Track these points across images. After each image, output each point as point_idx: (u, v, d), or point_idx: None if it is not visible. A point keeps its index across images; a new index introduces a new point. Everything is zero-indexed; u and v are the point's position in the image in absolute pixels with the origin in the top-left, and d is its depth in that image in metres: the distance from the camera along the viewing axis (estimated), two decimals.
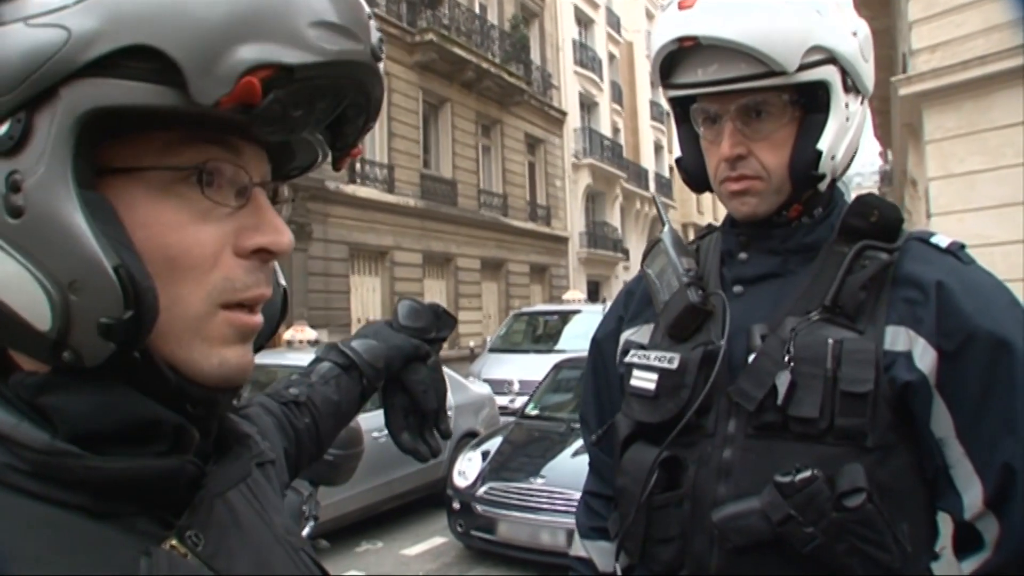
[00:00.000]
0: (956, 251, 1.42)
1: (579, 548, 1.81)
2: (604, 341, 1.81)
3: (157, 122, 0.65)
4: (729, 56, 1.37)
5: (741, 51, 1.34)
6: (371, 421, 7.58)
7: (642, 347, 1.60)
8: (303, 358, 8.24)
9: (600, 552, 1.74)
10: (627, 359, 1.60)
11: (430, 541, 8.14)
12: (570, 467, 7.12)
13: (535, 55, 29.24)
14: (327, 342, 9.74)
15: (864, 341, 1.35)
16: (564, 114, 31.26)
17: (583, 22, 35.10)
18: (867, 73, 1.46)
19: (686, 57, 1.45)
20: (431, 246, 21.82)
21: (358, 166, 19.31)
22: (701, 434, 1.47)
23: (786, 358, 1.37)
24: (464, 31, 23.40)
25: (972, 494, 1.32)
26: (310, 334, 9.23)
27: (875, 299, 1.38)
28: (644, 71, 40.92)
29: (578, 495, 6.03)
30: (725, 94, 1.41)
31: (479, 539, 7.25)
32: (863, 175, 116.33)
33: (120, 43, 0.59)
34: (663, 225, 1.72)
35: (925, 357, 1.33)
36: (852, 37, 1.41)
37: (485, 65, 23.62)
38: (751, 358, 1.43)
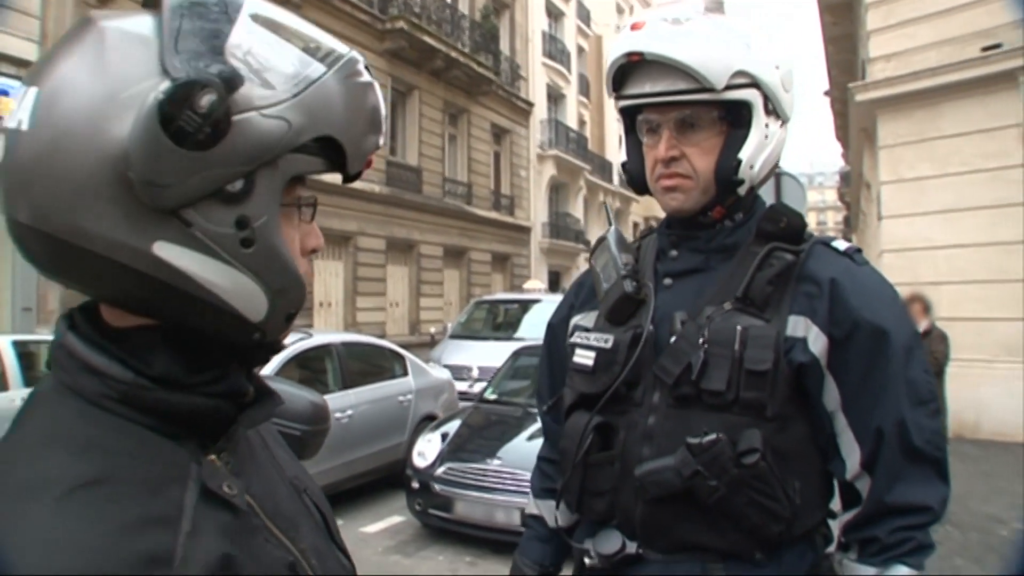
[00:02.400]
0: (852, 254, 1.69)
1: (532, 507, 2.10)
2: (557, 325, 2.08)
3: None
4: (669, 73, 1.62)
5: (678, 68, 1.60)
6: (333, 402, 7.85)
7: (586, 330, 1.85)
8: None
9: (549, 510, 2.00)
10: (572, 340, 1.88)
11: (389, 520, 8.28)
12: (525, 449, 7.36)
13: (504, 46, 29.32)
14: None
15: (767, 328, 1.60)
16: (531, 105, 31.38)
17: (553, 14, 35.18)
18: (787, 102, 1.71)
19: (635, 72, 1.70)
20: (394, 232, 21.88)
21: None
22: (631, 404, 1.72)
23: (701, 341, 1.62)
24: (434, 20, 23.46)
25: (853, 458, 1.61)
26: None
27: (781, 293, 1.63)
28: None
29: None
30: (664, 106, 1.67)
31: (436, 518, 7.42)
32: (825, 175, 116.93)
33: (317, 133, 0.86)
34: (609, 225, 2.02)
35: (818, 342, 1.59)
36: (775, 69, 1.66)
37: (454, 54, 23.69)
38: (672, 340, 1.68)
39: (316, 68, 0.87)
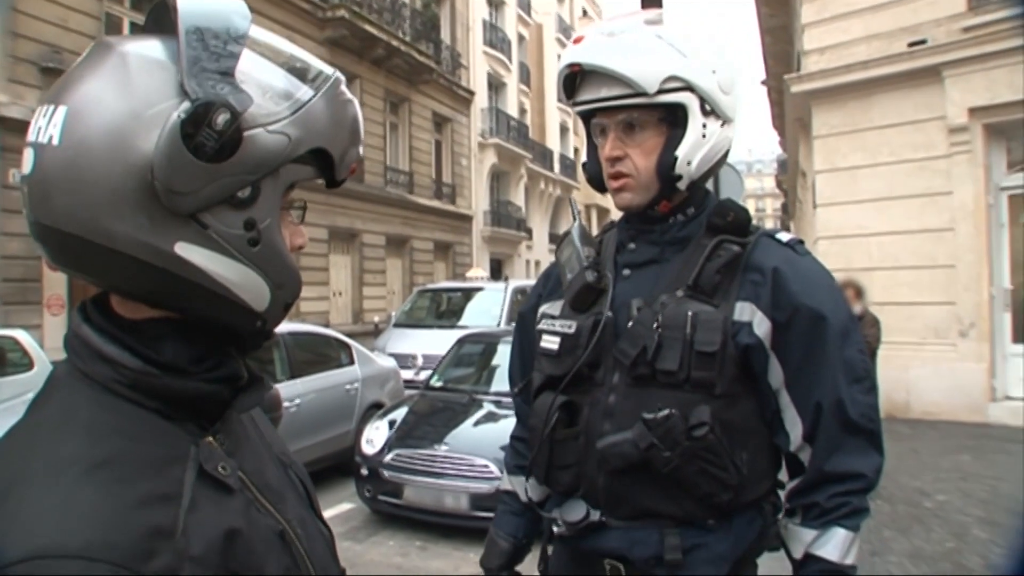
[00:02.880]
0: (794, 245, 1.86)
1: (506, 483, 2.26)
2: (527, 313, 2.22)
3: None
4: (609, 81, 1.78)
5: (614, 76, 1.76)
6: (282, 391, 7.88)
7: (552, 317, 2.01)
8: None
9: (521, 485, 2.17)
10: (539, 327, 2.04)
11: (339, 507, 8.33)
12: (472, 435, 7.57)
13: (445, 34, 29.36)
14: None
15: (716, 313, 1.75)
16: (472, 94, 31.47)
17: (494, 3, 35.31)
18: (726, 103, 1.84)
19: (584, 81, 1.86)
20: (336, 221, 21.82)
21: None
22: (593, 384, 1.87)
23: (655, 325, 1.77)
24: (375, 8, 23.41)
25: (795, 432, 1.78)
26: None
27: (729, 281, 1.79)
28: (553, 53, 41.04)
29: (479, 461, 6.49)
30: (611, 111, 1.83)
31: (386, 503, 7.50)
32: (763, 162, 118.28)
33: (311, 146, 0.99)
34: (574, 220, 2.18)
35: (762, 326, 1.75)
36: (711, 74, 1.80)
37: (395, 43, 23.64)
38: (630, 325, 1.83)
39: (307, 90, 1.00)
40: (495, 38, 34.62)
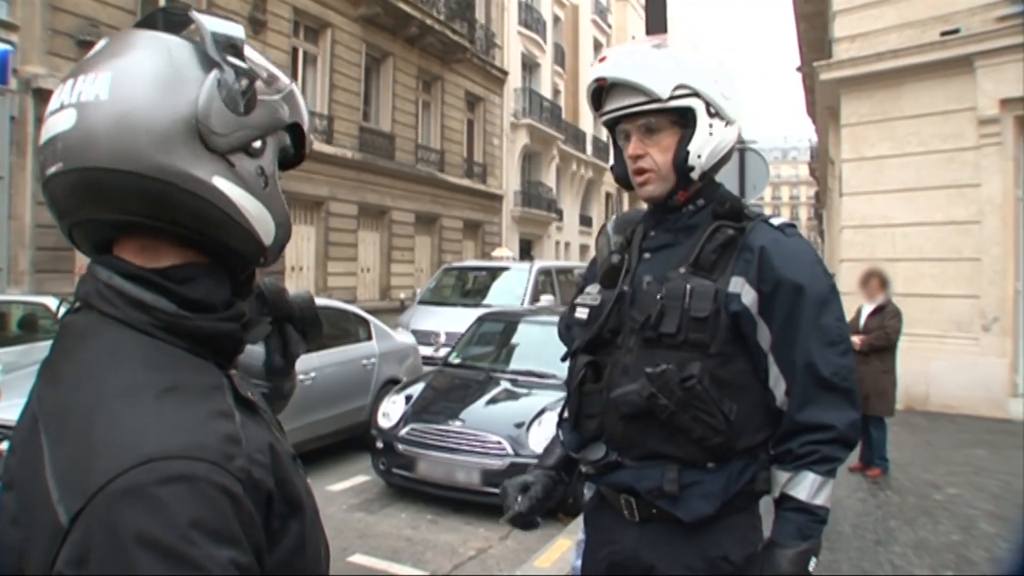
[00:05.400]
0: (783, 228, 2.17)
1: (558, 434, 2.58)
2: (574, 298, 2.51)
3: None
4: (629, 92, 2.14)
5: (632, 87, 2.12)
6: (300, 364, 7.95)
7: (587, 294, 2.38)
8: None
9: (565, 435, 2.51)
10: (574, 301, 2.42)
11: (353, 479, 8.49)
12: (486, 412, 7.69)
13: (479, 14, 29.34)
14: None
15: (709, 285, 2.08)
16: (505, 74, 31.44)
17: None
18: (728, 106, 2.18)
19: (608, 94, 2.23)
20: (367, 198, 22.00)
21: None
22: (615, 347, 2.24)
23: (659, 296, 2.12)
24: None
25: (779, 389, 2.09)
26: None
27: (728, 259, 2.12)
28: (588, 35, 40.91)
29: (493, 438, 6.66)
30: (631, 117, 2.17)
31: (400, 477, 7.63)
32: (799, 149, 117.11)
33: (295, 119, 1.22)
34: (613, 214, 2.52)
35: (748, 295, 2.07)
36: (714, 83, 2.14)
37: (429, 21, 23.72)
38: (639, 297, 2.20)
39: (284, 84, 1.23)
40: (530, 18, 34.55)
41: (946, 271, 11.70)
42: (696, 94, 2.12)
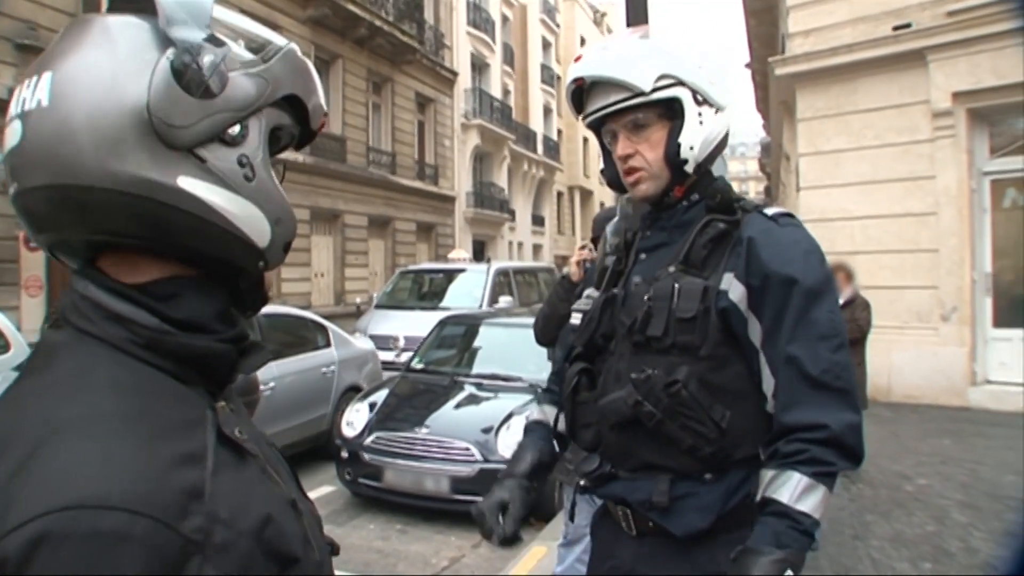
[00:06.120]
0: (777, 217, 2.01)
1: (536, 414, 2.48)
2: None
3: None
4: (610, 89, 2.02)
5: (613, 83, 1.99)
6: (259, 374, 7.77)
7: (584, 299, 2.27)
8: None
9: (552, 412, 2.40)
10: (573, 307, 2.30)
11: (319, 490, 8.29)
12: (452, 418, 7.57)
13: (428, 14, 29.19)
14: None
15: (697, 283, 1.94)
16: (455, 74, 31.35)
17: None
18: (715, 92, 2.05)
19: (589, 94, 2.10)
20: (319, 202, 21.75)
21: None
22: (608, 353, 2.11)
23: (646, 297, 1.98)
24: None
25: (770, 390, 1.89)
26: None
27: (720, 255, 1.97)
28: (536, 34, 40.96)
29: (460, 444, 6.56)
30: (616, 115, 2.04)
31: (366, 487, 7.47)
32: (747, 145, 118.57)
33: (287, 91, 1.06)
34: (615, 216, 2.46)
35: (735, 291, 1.91)
36: (698, 69, 2.02)
37: (378, 23, 23.55)
38: (627, 299, 2.07)
39: (271, 49, 1.07)
40: (479, 18, 34.48)
41: (905, 262, 11.78)
42: (681, 83, 1.99)
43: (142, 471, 0.81)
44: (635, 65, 1.98)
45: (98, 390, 0.88)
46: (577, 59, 2.10)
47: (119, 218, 0.94)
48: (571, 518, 3.27)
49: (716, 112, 2.05)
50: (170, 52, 0.94)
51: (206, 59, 0.95)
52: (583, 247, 4.25)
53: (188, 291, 1.01)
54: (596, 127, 2.15)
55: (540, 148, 42.24)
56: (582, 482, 2.14)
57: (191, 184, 0.95)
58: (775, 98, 16.44)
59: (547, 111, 44.48)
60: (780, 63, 13.31)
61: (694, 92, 2.00)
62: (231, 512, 0.88)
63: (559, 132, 46.57)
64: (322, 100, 1.15)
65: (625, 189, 2.16)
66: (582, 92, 2.13)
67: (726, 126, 2.10)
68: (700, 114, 2.01)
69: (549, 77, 44.07)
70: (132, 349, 0.94)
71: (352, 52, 23.74)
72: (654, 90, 1.97)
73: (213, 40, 0.98)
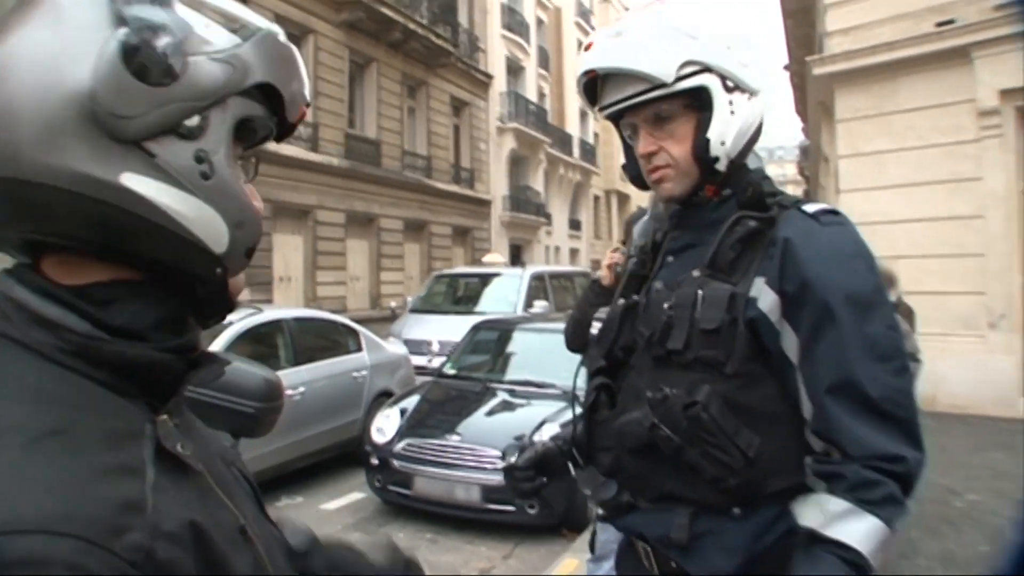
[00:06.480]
0: (819, 215, 1.72)
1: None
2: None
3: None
4: (627, 80, 1.77)
5: (630, 74, 1.75)
6: (285, 379, 7.66)
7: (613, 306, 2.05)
8: None
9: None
10: (596, 315, 2.10)
11: (348, 496, 8.24)
12: (484, 425, 7.43)
13: (463, 18, 29.17)
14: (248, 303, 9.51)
15: (723, 289, 1.69)
16: (490, 78, 31.29)
17: None
18: (748, 75, 1.80)
19: (603, 86, 1.86)
20: (354, 206, 21.76)
21: None
22: (629, 368, 1.90)
23: (667, 306, 1.76)
24: None
25: (809, 414, 1.61)
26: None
27: (751, 257, 1.72)
28: (572, 37, 40.85)
29: (492, 452, 6.40)
30: (637, 108, 1.80)
31: (396, 494, 7.39)
32: (785, 148, 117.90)
33: (258, 79, 0.95)
34: (644, 215, 2.25)
35: (766, 299, 1.65)
36: (727, 50, 1.77)
37: (412, 26, 23.50)
38: (645, 307, 1.87)
39: (248, 30, 0.97)
40: (513, 22, 34.40)
41: (950, 267, 11.46)
42: (708, 69, 1.75)
43: (60, 487, 0.72)
44: (654, 53, 1.73)
45: (17, 400, 0.79)
46: (587, 47, 1.85)
47: (56, 217, 0.85)
48: (591, 549, 3.11)
49: (749, 98, 1.81)
50: (121, 31, 0.83)
51: (161, 40, 0.85)
52: (615, 250, 4.07)
53: (129, 296, 0.90)
54: (614, 119, 1.91)
55: (576, 151, 42.14)
56: (600, 511, 1.96)
57: (136, 182, 0.85)
58: (813, 99, 16.16)
59: (583, 114, 44.30)
60: (818, 63, 13.05)
61: (723, 78, 1.76)
62: (178, 527, 0.80)
63: (595, 135, 46.41)
64: (305, 90, 1.05)
65: (647, 186, 1.94)
66: (596, 82, 1.88)
67: (761, 113, 1.85)
68: (731, 102, 1.77)
69: None
70: (59, 357, 0.84)
71: (387, 56, 23.71)
72: (677, 79, 1.73)
73: (175, 19, 0.88)
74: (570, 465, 2.06)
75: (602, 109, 1.88)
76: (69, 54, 0.82)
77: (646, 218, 2.21)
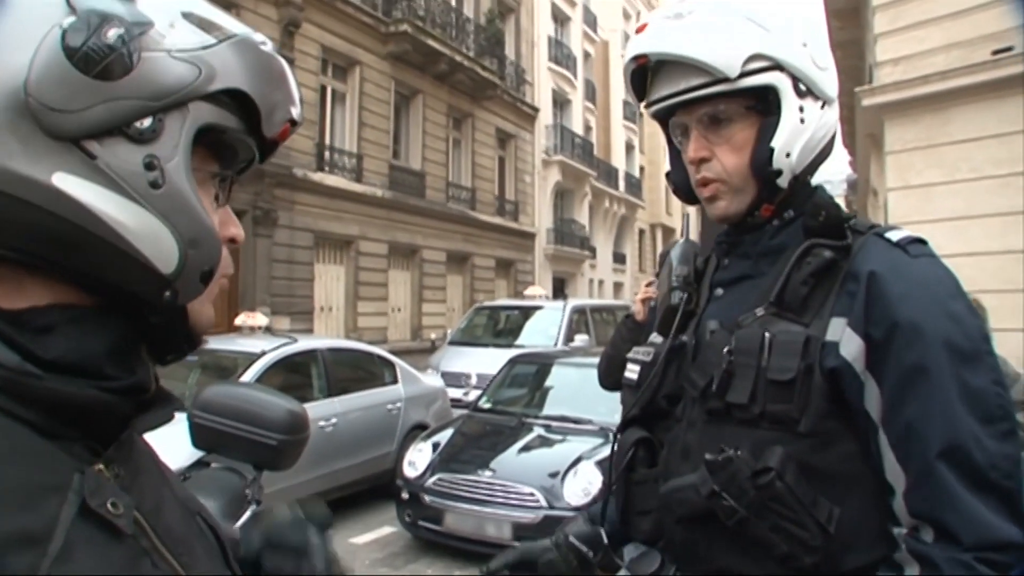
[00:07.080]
0: (905, 245, 1.46)
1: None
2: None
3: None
4: (683, 71, 1.52)
5: (687, 63, 1.50)
6: (317, 410, 7.65)
7: (646, 345, 1.79)
8: (252, 343, 8.19)
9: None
10: (628, 355, 1.80)
11: (378, 531, 8.15)
12: (519, 461, 7.29)
13: (510, 50, 29.26)
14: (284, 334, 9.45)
15: (797, 333, 1.43)
16: (536, 110, 31.30)
17: (559, 19, 35.13)
18: (823, 79, 1.55)
19: (656, 77, 1.60)
20: (397, 237, 21.76)
21: (327, 154, 19.24)
22: (674, 419, 1.64)
23: (726, 350, 1.48)
24: (439, 23, 23.34)
25: (900, 486, 1.36)
26: (260, 320, 9.03)
27: (825, 294, 1.46)
28: (618, 70, 40.66)
29: (525, 489, 6.16)
30: (690, 105, 1.55)
31: (426, 529, 7.28)
32: (832, 183, 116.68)
33: (227, 85, 0.85)
34: (683, 236, 1.92)
35: (850, 344, 1.39)
36: (802, 48, 1.52)
37: (459, 58, 23.59)
38: (699, 351, 1.60)
39: (223, 32, 0.88)
40: (560, 55, 34.47)
41: (1004, 303, 11.05)
42: (778, 66, 1.50)
43: None
44: (718, 41, 1.49)
45: None
46: (640, 29, 1.60)
47: None
48: None
49: (823, 106, 1.56)
50: (67, 20, 0.76)
51: (111, 31, 0.77)
52: (649, 284, 3.82)
53: (67, 324, 0.80)
54: (663, 118, 1.66)
55: (622, 185, 42.06)
56: None
57: (70, 183, 0.76)
58: (862, 131, 15.91)
59: (629, 147, 44.30)
60: (867, 93, 12.80)
61: (795, 79, 1.51)
62: None
63: (641, 169, 46.32)
64: (293, 107, 0.96)
65: (695, 199, 1.68)
66: (646, 72, 1.63)
67: (834, 126, 1.61)
68: (802, 108, 1.52)
69: (631, 113, 43.86)
70: None
71: (432, 87, 23.81)
72: (742, 75, 1.48)
73: (132, 12, 0.79)
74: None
75: (649, 104, 1.65)
76: (11, 42, 0.75)
77: (683, 240, 1.87)
